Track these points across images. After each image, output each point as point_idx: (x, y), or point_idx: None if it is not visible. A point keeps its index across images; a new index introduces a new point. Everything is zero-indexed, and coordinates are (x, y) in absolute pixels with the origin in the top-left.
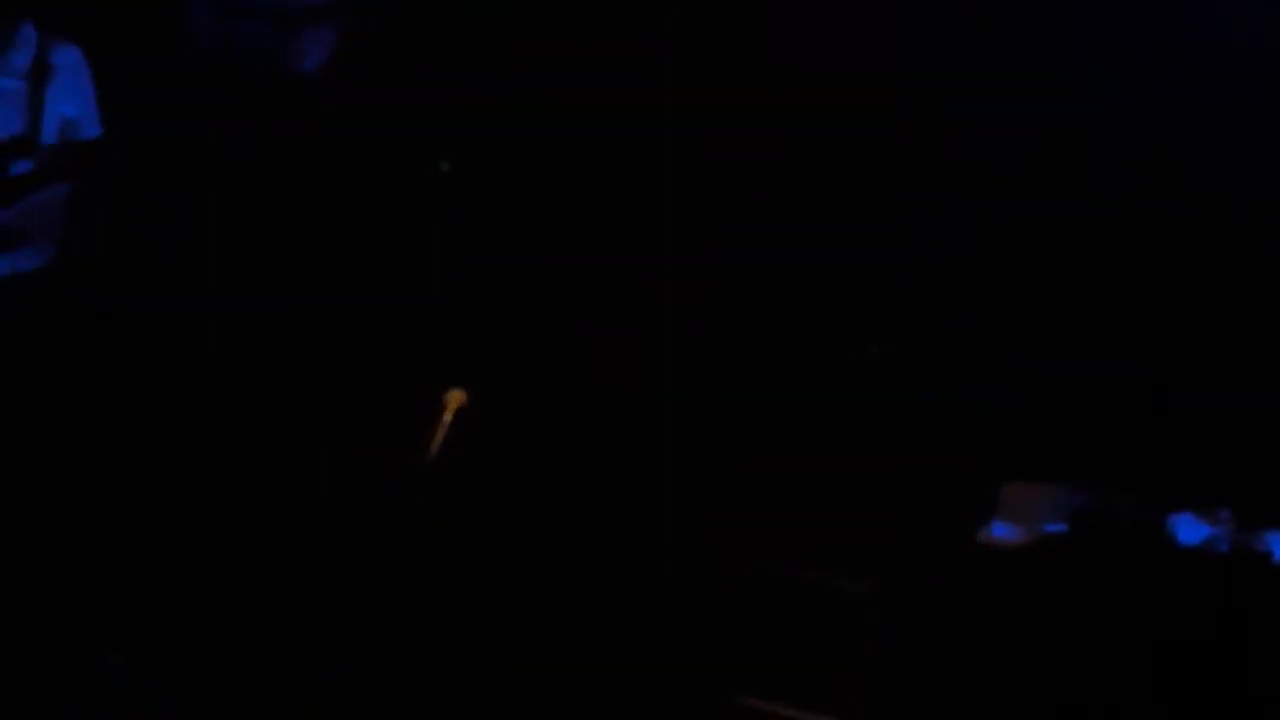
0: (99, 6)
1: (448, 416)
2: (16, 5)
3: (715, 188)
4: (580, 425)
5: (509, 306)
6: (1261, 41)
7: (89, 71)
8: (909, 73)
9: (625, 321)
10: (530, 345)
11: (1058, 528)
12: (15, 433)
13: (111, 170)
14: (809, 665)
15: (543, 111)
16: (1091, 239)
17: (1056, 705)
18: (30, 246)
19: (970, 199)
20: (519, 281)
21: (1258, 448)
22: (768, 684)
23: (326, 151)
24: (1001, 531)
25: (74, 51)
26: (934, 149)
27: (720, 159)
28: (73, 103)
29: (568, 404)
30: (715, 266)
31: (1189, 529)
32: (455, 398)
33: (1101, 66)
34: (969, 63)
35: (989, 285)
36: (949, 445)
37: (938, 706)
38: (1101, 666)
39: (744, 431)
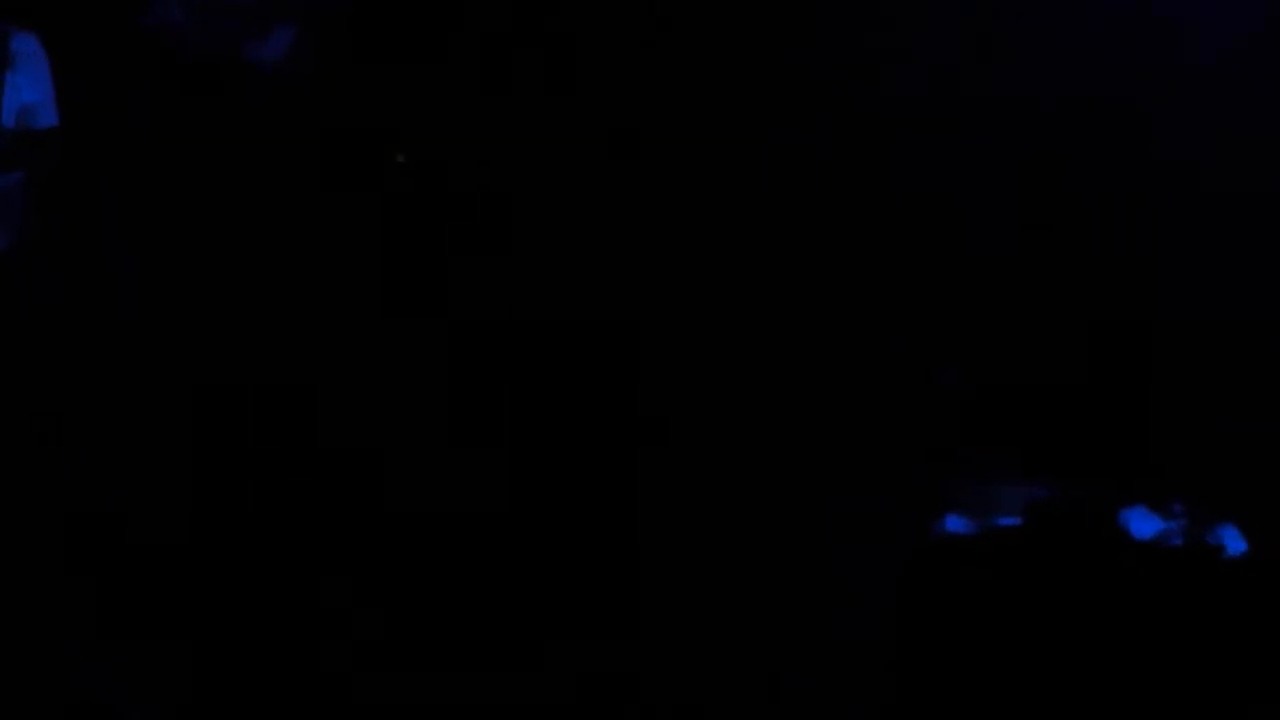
0: None
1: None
2: None
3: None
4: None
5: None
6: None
7: (47, 60)
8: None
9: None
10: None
11: (1011, 521)
12: None
13: (69, 159)
14: (758, 664)
15: (504, 107)
16: (1047, 231)
17: (1008, 698)
18: None
19: (929, 191)
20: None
21: (1211, 441)
22: (720, 685)
23: (287, 143)
24: (955, 525)
25: (32, 40)
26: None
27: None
28: (31, 90)
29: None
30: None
31: (1142, 522)
32: None
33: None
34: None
35: (943, 274)
36: (902, 437)
37: (891, 699)
38: (1054, 659)
39: (693, 418)
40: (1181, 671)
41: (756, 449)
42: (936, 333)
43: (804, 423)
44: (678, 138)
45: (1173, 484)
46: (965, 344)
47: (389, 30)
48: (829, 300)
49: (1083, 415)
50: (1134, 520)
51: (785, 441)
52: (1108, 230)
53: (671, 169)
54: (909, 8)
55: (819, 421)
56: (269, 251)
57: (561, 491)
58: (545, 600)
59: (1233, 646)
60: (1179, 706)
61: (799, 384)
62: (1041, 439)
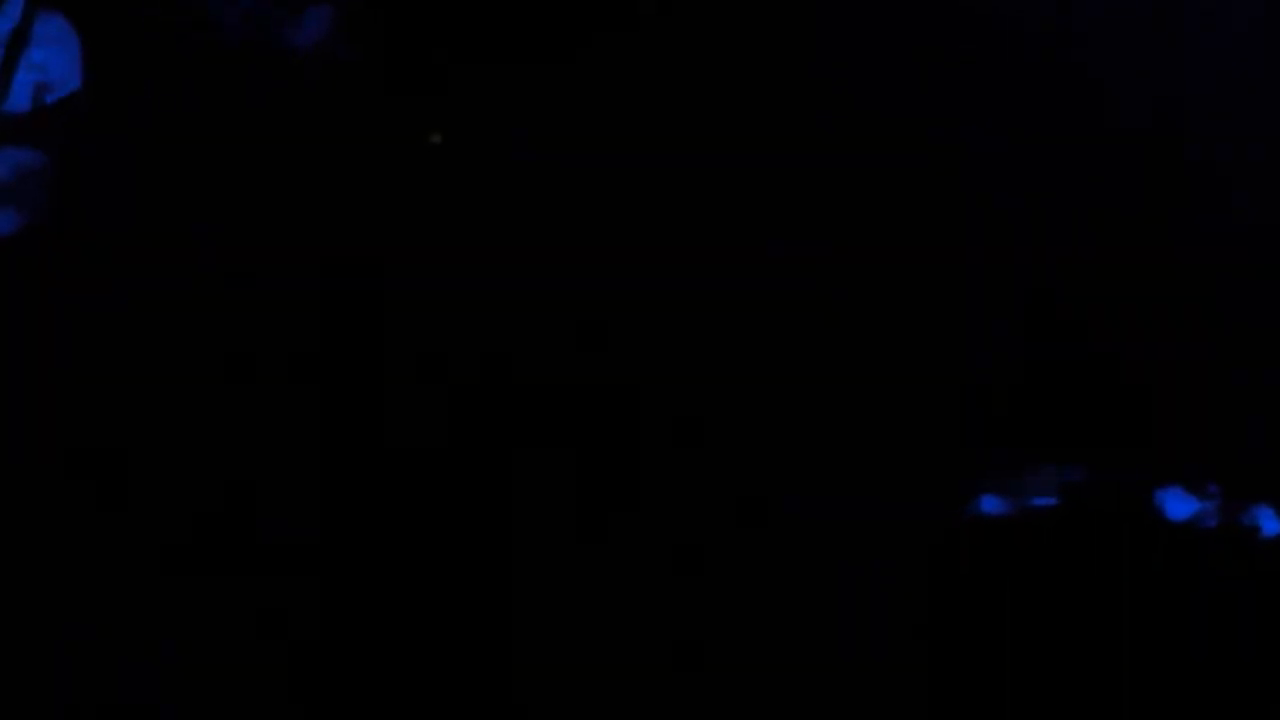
0: None
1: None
2: None
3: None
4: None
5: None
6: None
7: (76, 41)
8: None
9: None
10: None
11: (1047, 502)
12: None
13: (95, 142)
14: (793, 637)
15: (539, 88)
16: (1079, 218)
17: (1043, 678)
18: (4, 209)
19: (963, 176)
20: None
21: (1247, 422)
22: (755, 653)
23: (319, 125)
24: (991, 505)
25: (57, 20)
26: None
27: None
28: (54, 71)
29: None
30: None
31: (1178, 503)
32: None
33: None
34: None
35: (982, 261)
36: (938, 419)
37: (925, 678)
38: (1089, 640)
39: (728, 402)
40: (1216, 652)
41: (775, 437)
42: (966, 316)
43: (826, 408)
44: (691, 130)
45: (1209, 465)
46: (996, 326)
47: (421, 10)
48: (852, 287)
49: (1118, 396)
50: (1169, 501)
51: (805, 428)
52: (1135, 212)
53: (689, 146)
54: (911, 12)
55: (842, 407)
56: (294, 238)
57: (574, 474)
58: (555, 587)
59: (1269, 627)
60: (1213, 687)
61: (820, 371)
62: (1077, 420)
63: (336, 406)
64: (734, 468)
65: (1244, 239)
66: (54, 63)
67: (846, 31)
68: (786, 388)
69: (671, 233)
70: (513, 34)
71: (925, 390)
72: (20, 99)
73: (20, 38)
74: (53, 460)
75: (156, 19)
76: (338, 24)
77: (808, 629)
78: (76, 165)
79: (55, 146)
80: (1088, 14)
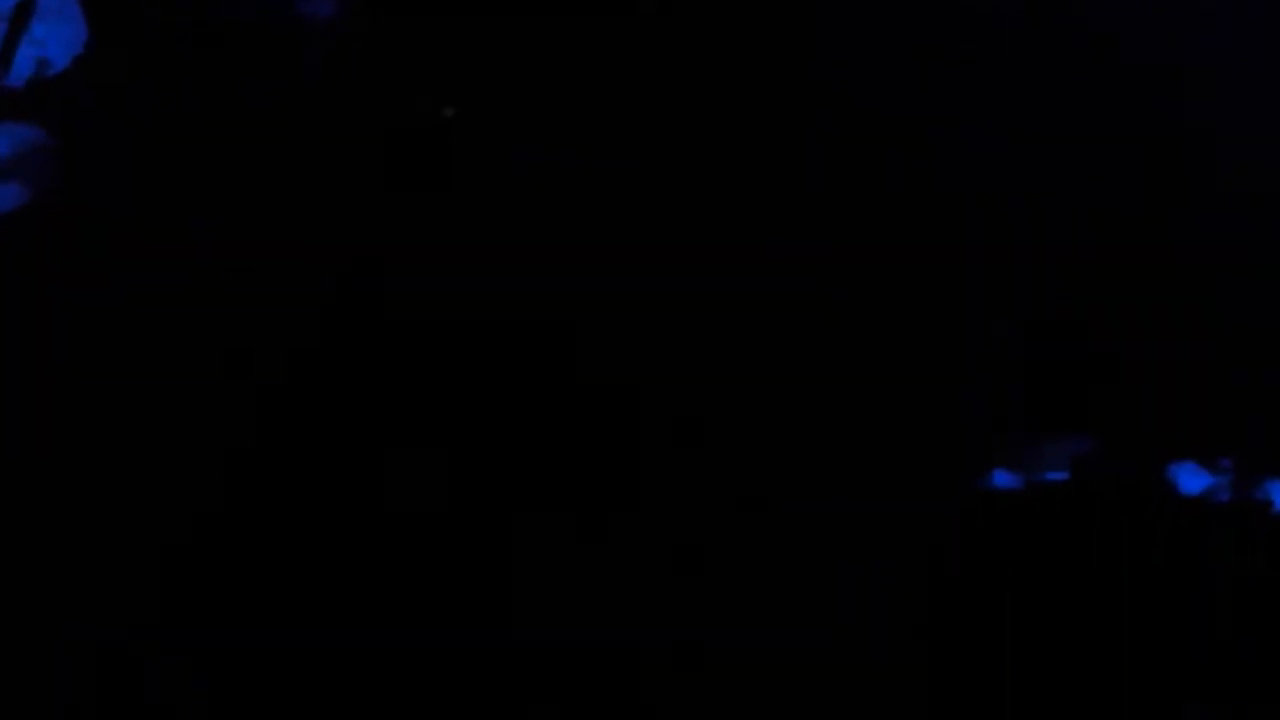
0: None
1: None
2: None
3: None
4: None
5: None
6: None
7: (80, 17)
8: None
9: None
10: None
11: (1059, 476)
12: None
13: (94, 115)
14: (799, 610)
15: (540, 87)
16: (1079, 218)
17: (1054, 651)
18: (7, 184)
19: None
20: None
21: (1260, 396)
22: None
23: (332, 102)
24: (1003, 479)
25: None
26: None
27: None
28: (53, 46)
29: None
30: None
31: (1190, 478)
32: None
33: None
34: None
35: (990, 233)
36: (937, 420)
37: (935, 652)
38: (1101, 614)
39: (728, 402)
40: (1227, 624)
41: (775, 436)
42: (988, 288)
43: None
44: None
45: (1222, 439)
46: (996, 326)
47: (423, 8)
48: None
49: (1131, 370)
50: (1182, 475)
51: (805, 427)
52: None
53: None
54: (911, 12)
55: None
56: (293, 228)
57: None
58: (555, 587)
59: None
60: (1224, 662)
61: (820, 371)
62: (1090, 393)
63: (336, 404)
64: (734, 468)
65: (1244, 239)
66: (56, 38)
67: (846, 31)
68: (786, 387)
69: (672, 233)
70: (513, 32)
71: (925, 390)
72: (22, 74)
73: (24, 13)
74: (52, 456)
75: None
76: (348, 2)
77: (808, 628)
78: (77, 141)
79: (56, 122)
80: (1087, 14)
